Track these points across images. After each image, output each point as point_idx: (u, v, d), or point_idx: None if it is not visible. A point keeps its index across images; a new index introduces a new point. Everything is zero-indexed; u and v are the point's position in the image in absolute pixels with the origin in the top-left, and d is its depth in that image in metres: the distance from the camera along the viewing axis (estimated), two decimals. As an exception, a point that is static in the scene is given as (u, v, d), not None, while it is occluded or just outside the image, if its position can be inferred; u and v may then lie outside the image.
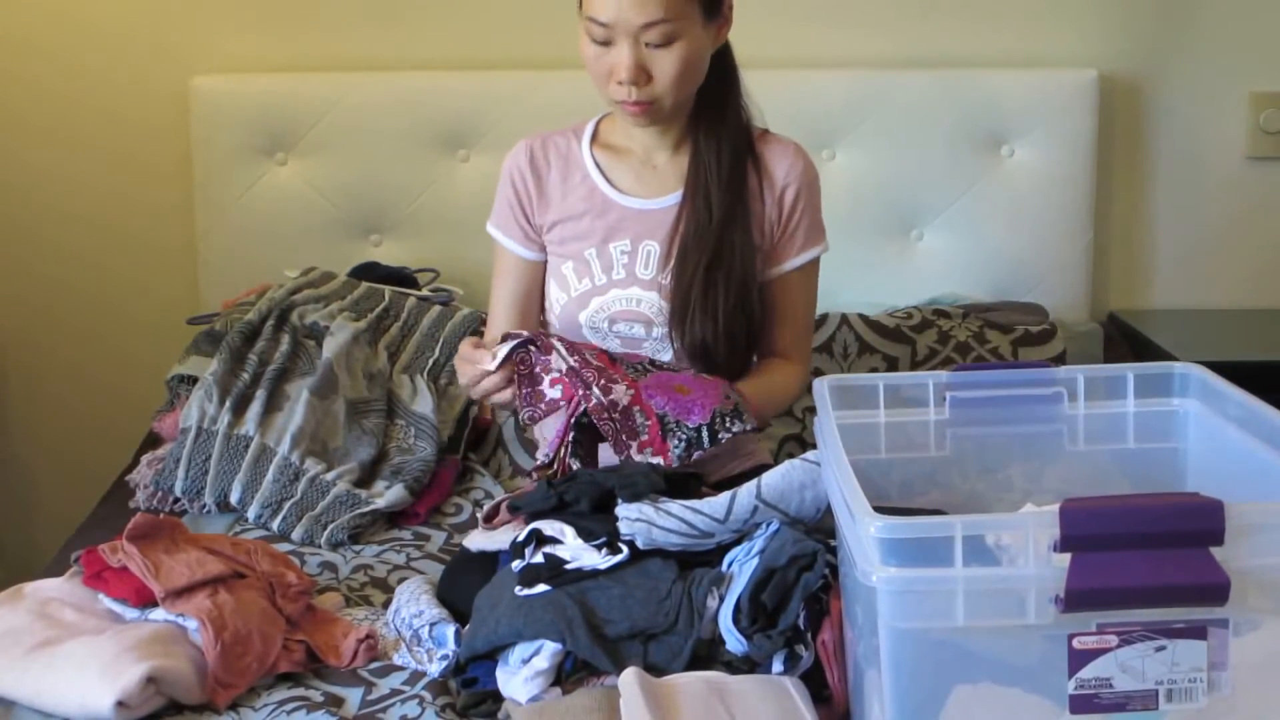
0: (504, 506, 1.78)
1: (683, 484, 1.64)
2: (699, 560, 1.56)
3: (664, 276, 1.88)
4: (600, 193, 1.92)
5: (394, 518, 2.08)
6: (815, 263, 1.97)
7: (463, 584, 1.69)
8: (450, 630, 1.59)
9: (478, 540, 1.76)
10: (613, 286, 1.91)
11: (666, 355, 1.91)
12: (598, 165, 1.94)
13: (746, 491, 1.55)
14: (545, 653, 1.47)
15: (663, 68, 1.80)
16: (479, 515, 1.84)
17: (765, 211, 1.91)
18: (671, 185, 1.92)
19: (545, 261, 1.96)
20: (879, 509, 1.19)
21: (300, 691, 1.54)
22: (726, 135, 1.89)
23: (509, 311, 1.97)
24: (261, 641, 1.56)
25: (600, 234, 1.91)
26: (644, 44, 1.78)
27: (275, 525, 2.02)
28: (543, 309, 1.99)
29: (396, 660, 1.60)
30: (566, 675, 1.48)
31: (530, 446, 2.25)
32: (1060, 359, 2.44)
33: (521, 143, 1.97)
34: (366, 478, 2.13)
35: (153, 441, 2.29)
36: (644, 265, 1.90)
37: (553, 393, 1.72)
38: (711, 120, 1.90)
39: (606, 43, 1.80)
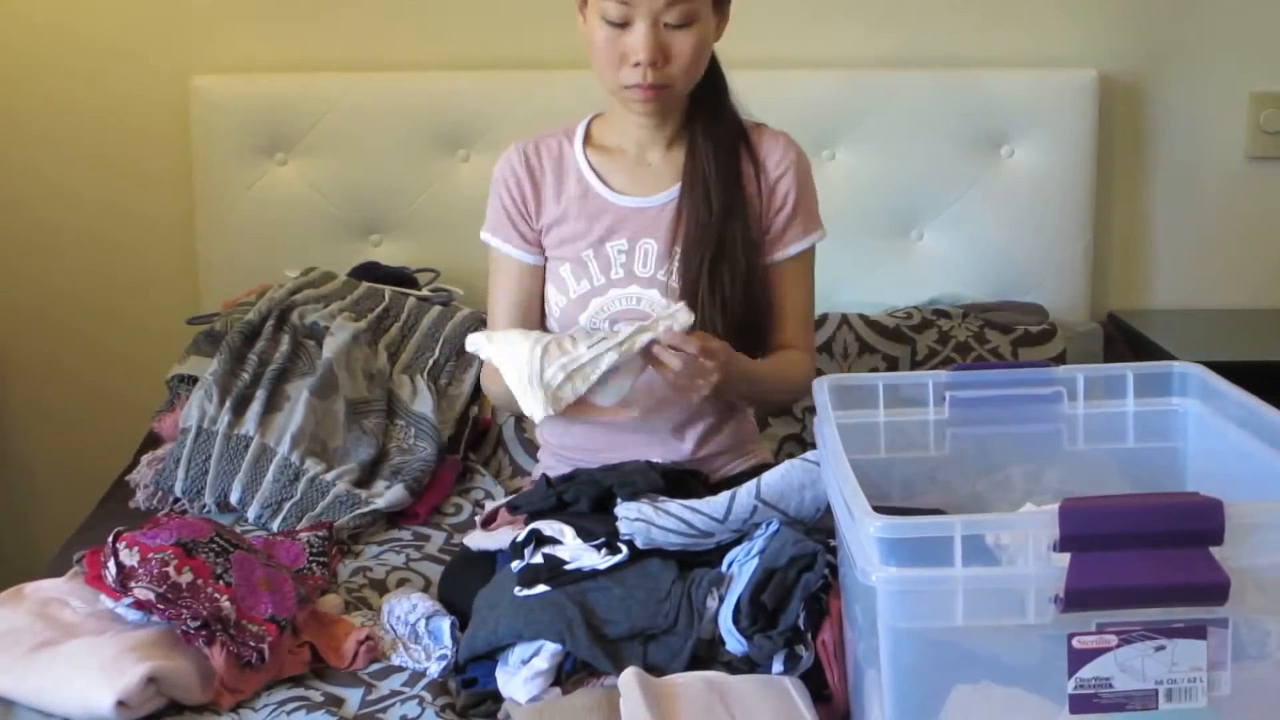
0: (503, 510, 1.78)
1: (682, 482, 1.64)
2: (698, 560, 1.56)
3: (663, 273, 1.87)
4: (595, 193, 1.91)
5: (394, 518, 2.08)
6: (811, 251, 1.96)
7: (463, 583, 1.69)
8: (446, 623, 1.59)
9: (478, 540, 1.76)
10: (611, 286, 1.89)
11: None
12: (591, 166, 1.92)
13: (746, 491, 1.55)
14: (545, 653, 1.48)
15: (680, 49, 1.79)
16: (478, 519, 1.84)
17: (760, 202, 1.91)
18: (666, 182, 1.91)
19: (544, 265, 1.94)
20: (879, 509, 1.19)
21: (300, 692, 1.54)
22: (722, 128, 1.89)
23: (510, 318, 1.94)
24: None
25: (596, 234, 1.90)
26: (663, 24, 1.77)
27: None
28: (543, 313, 1.97)
29: (395, 661, 1.60)
30: (566, 676, 1.48)
31: (531, 447, 2.25)
32: (1060, 359, 2.44)
33: (512, 147, 1.96)
34: (366, 478, 2.13)
35: (153, 442, 2.29)
36: (642, 263, 1.89)
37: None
38: (707, 114, 1.89)
39: (623, 24, 1.77)
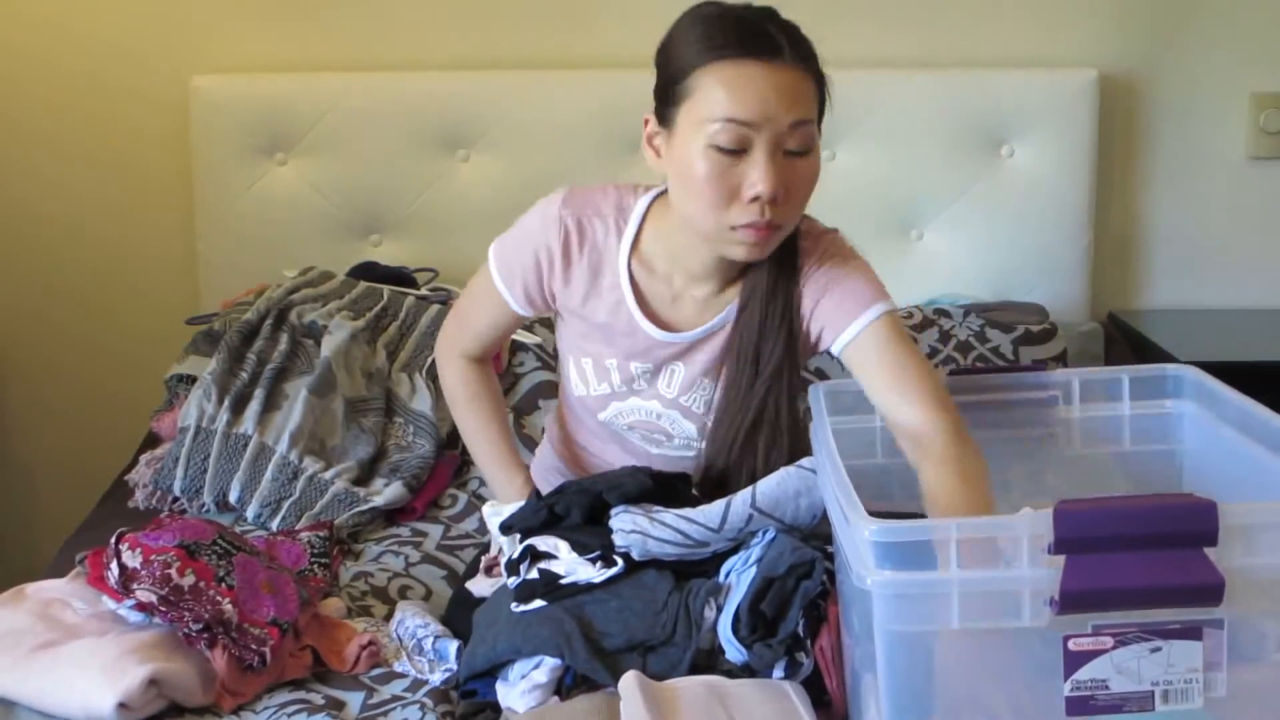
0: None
1: (671, 488, 1.63)
2: (695, 570, 1.55)
3: (687, 399, 1.71)
4: (628, 312, 1.69)
5: (392, 514, 2.08)
6: (887, 322, 1.62)
7: (465, 624, 1.64)
8: (453, 646, 1.59)
9: (482, 586, 1.73)
10: (633, 395, 1.73)
11: (686, 464, 1.73)
12: (632, 280, 1.68)
13: (741, 500, 1.54)
14: (544, 667, 1.47)
15: (800, 182, 1.54)
16: (482, 563, 1.80)
17: (800, 316, 1.67)
18: (700, 319, 1.69)
19: (536, 316, 1.83)
20: (874, 514, 1.19)
21: (301, 695, 1.54)
22: (784, 282, 1.64)
23: (487, 333, 1.82)
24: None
25: (622, 349, 1.71)
26: (783, 152, 1.53)
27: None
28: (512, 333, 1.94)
29: (397, 668, 1.61)
30: (567, 690, 1.48)
31: (529, 442, 2.25)
32: (1061, 358, 2.44)
33: (556, 211, 1.69)
34: (365, 476, 2.13)
35: (152, 441, 2.29)
36: (667, 384, 1.72)
37: None
38: (779, 265, 1.63)
39: (740, 150, 1.51)
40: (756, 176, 1.51)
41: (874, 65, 2.67)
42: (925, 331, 2.45)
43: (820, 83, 1.56)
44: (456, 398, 1.87)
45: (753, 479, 1.59)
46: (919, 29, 2.69)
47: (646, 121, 1.62)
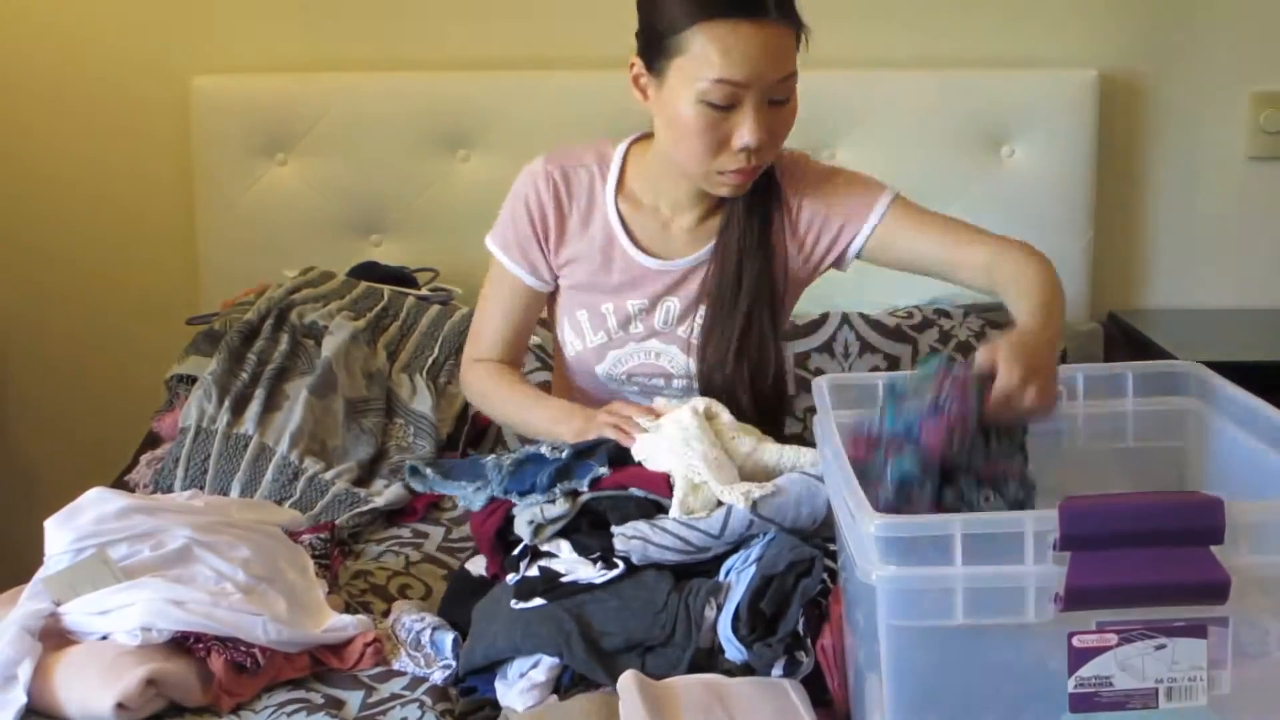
0: None
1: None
2: (695, 570, 1.55)
3: (684, 330, 1.80)
4: (619, 246, 1.80)
5: (392, 515, 2.08)
6: (903, 200, 1.78)
7: (464, 606, 1.65)
8: (449, 638, 1.59)
9: (480, 566, 1.74)
10: (630, 340, 1.82)
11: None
12: (620, 215, 1.80)
13: (742, 508, 1.54)
14: (543, 666, 1.47)
15: (779, 127, 1.67)
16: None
17: (796, 237, 1.80)
18: (692, 247, 1.81)
19: (549, 291, 1.88)
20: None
21: (300, 694, 1.54)
22: (761, 202, 1.76)
23: (503, 339, 1.89)
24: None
25: (615, 287, 1.81)
26: (767, 103, 1.64)
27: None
28: (532, 327, 1.94)
29: (396, 666, 1.60)
30: (565, 689, 1.48)
31: (528, 444, 2.25)
32: (1061, 359, 2.44)
33: (540, 166, 1.82)
34: (365, 476, 2.13)
35: (152, 441, 2.29)
36: (662, 320, 1.81)
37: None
38: (755, 187, 1.74)
39: (730, 106, 1.62)
40: (746, 130, 1.62)
41: (874, 65, 2.68)
42: (925, 332, 2.45)
43: (799, 28, 1.66)
44: (485, 389, 1.88)
45: (749, 385, 1.73)
46: (919, 29, 2.69)
47: (633, 64, 1.71)
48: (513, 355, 1.92)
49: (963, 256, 1.73)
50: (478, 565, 1.74)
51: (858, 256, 1.83)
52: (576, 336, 1.84)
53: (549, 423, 1.81)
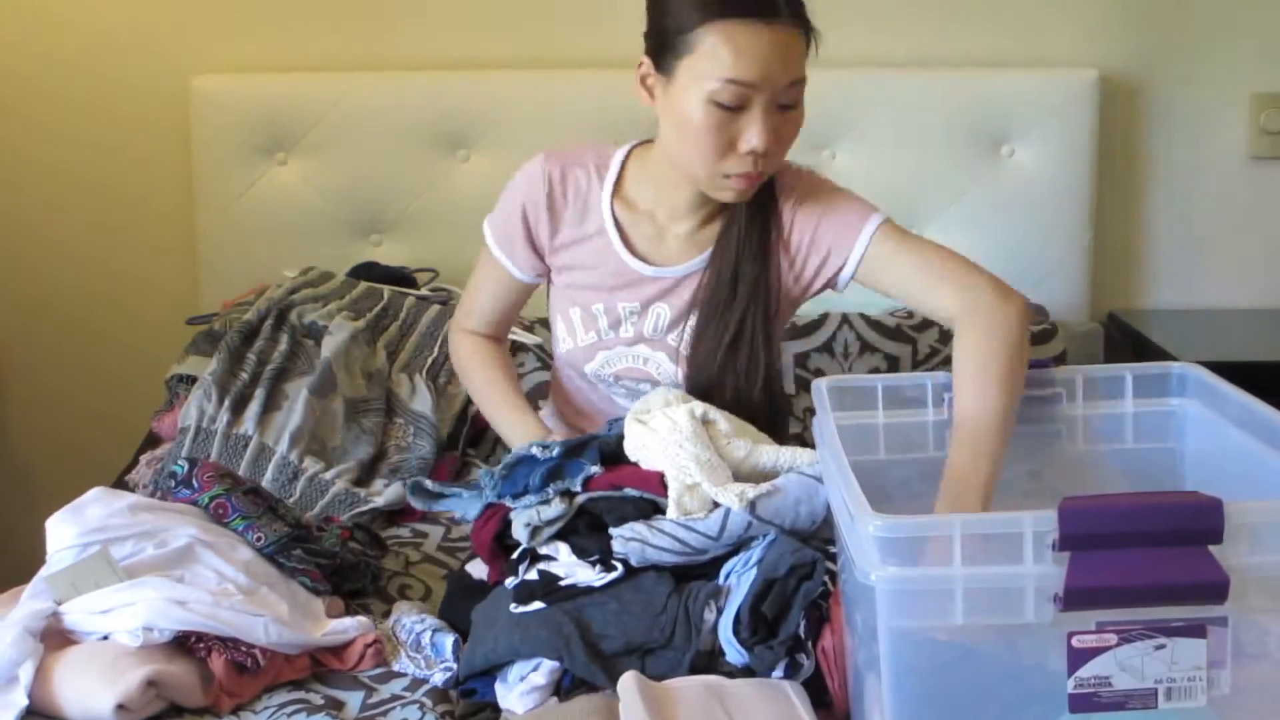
0: None
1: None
2: (695, 573, 1.55)
3: (674, 338, 1.80)
4: (614, 252, 1.80)
5: (392, 515, 2.08)
6: (890, 227, 1.73)
7: (465, 609, 1.65)
8: (449, 640, 1.59)
9: (481, 568, 1.74)
10: (619, 343, 1.83)
11: None
12: (615, 220, 1.80)
13: (740, 509, 1.54)
14: (543, 669, 1.47)
15: (787, 132, 1.65)
16: None
17: (787, 253, 1.78)
18: (686, 255, 1.79)
19: (536, 283, 1.90)
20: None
21: (301, 695, 1.54)
22: (761, 212, 1.75)
23: (488, 310, 1.92)
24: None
25: (608, 290, 1.81)
26: (776, 106, 1.62)
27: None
28: (520, 307, 1.96)
29: (396, 668, 1.60)
30: (565, 691, 1.48)
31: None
32: (1061, 359, 2.44)
33: (540, 164, 1.82)
34: (365, 476, 2.13)
35: (152, 441, 2.29)
36: (653, 327, 1.81)
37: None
38: (756, 197, 1.73)
39: (738, 107, 1.61)
40: (753, 133, 1.61)
41: (874, 65, 2.67)
42: (925, 332, 2.45)
43: (809, 33, 1.65)
44: (467, 365, 1.95)
45: (735, 394, 1.72)
46: (919, 29, 2.69)
47: (640, 65, 1.69)
48: (497, 330, 1.98)
49: (932, 302, 1.70)
50: (477, 567, 1.74)
51: (852, 278, 1.79)
52: (568, 334, 1.86)
53: (500, 423, 1.91)
